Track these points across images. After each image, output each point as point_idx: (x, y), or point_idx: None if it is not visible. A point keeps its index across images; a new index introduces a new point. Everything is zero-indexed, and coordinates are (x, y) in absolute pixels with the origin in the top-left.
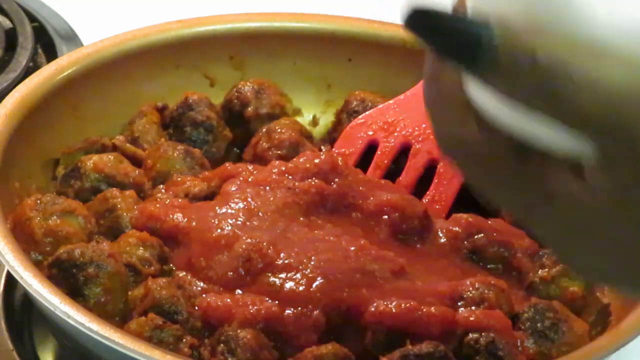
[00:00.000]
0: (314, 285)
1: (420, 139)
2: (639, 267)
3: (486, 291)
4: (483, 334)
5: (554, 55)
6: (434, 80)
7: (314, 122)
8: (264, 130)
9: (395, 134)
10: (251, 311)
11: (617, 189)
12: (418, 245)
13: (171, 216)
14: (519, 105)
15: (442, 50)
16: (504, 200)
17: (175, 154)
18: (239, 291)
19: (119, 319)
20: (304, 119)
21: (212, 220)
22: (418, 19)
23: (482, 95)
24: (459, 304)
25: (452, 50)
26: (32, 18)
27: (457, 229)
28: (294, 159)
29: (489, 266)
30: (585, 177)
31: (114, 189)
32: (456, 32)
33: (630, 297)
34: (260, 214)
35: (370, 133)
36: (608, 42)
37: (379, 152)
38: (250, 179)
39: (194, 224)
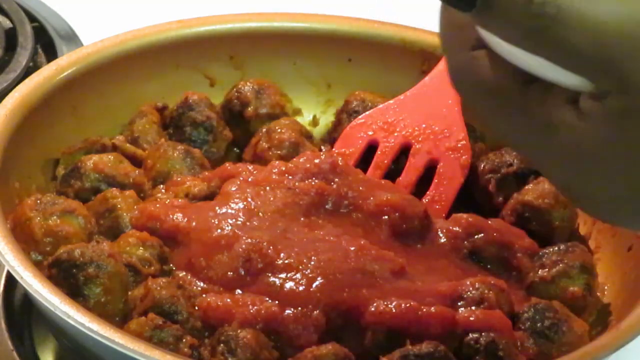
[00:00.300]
0: (314, 286)
1: (420, 139)
2: (635, 201)
3: (486, 291)
4: (483, 334)
5: None
6: (448, 15)
7: (314, 122)
8: (264, 130)
9: (395, 134)
10: (251, 311)
11: (609, 120)
12: (418, 245)
13: (171, 216)
14: (516, 48)
15: None
16: (507, 130)
17: (175, 154)
18: (239, 291)
19: (119, 319)
20: (304, 119)
21: (212, 220)
22: None
23: (489, 34)
24: (459, 304)
25: None
26: (32, 18)
27: (457, 229)
28: (294, 159)
29: (489, 266)
30: (581, 108)
31: (114, 189)
32: None
33: (628, 229)
34: (260, 214)
35: (370, 133)
36: None
37: (379, 152)
38: (250, 179)
39: (194, 224)
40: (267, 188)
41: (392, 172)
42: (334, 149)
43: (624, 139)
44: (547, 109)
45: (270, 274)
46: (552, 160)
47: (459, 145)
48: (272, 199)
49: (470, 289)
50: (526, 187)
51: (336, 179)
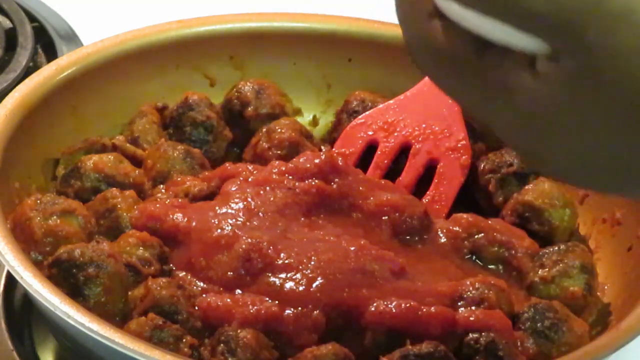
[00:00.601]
0: (314, 286)
1: (420, 139)
2: (592, 160)
3: (486, 291)
4: (483, 334)
5: None
6: None
7: (314, 122)
8: (264, 130)
9: (395, 134)
10: (251, 311)
11: (566, 80)
12: (418, 246)
13: (171, 216)
14: (473, 12)
15: None
16: (466, 98)
17: (175, 154)
18: (239, 291)
19: (119, 319)
20: (304, 119)
21: (212, 220)
22: None
23: (444, 1)
24: (459, 304)
25: None
26: (32, 18)
27: (457, 229)
28: (294, 159)
29: (489, 266)
30: (538, 70)
31: (114, 189)
32: None
33: (591, 191)
34: (260, 214)
35: (370, 133)
36: None
37: (379, 152)
38: (250, 179)
39: (194, 224)
40: (267, 188)
41: (392, 172)
42: (334, 149)
43: (580, 98)
44: (503, 73)
45: (270, 274)
46: (511, 125)
47: (459, 145)
48: (272, 199)
49: (470, 289)
50: (526, 187)
51: (336, 179)
